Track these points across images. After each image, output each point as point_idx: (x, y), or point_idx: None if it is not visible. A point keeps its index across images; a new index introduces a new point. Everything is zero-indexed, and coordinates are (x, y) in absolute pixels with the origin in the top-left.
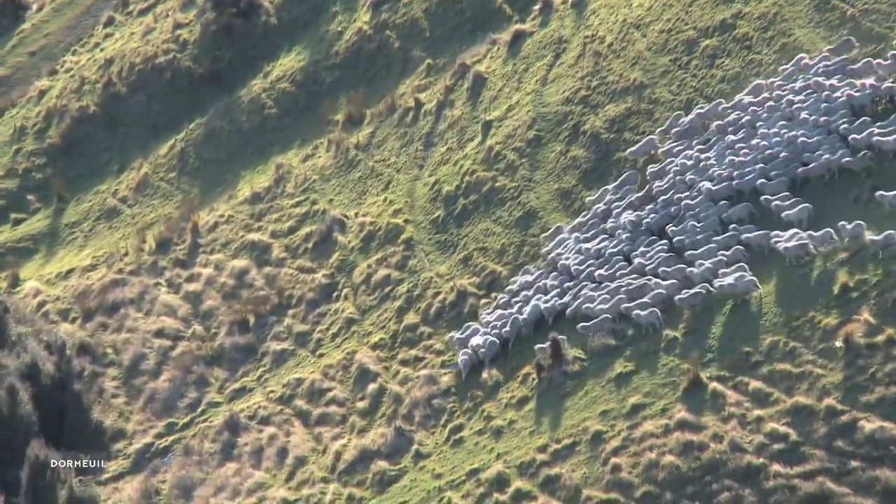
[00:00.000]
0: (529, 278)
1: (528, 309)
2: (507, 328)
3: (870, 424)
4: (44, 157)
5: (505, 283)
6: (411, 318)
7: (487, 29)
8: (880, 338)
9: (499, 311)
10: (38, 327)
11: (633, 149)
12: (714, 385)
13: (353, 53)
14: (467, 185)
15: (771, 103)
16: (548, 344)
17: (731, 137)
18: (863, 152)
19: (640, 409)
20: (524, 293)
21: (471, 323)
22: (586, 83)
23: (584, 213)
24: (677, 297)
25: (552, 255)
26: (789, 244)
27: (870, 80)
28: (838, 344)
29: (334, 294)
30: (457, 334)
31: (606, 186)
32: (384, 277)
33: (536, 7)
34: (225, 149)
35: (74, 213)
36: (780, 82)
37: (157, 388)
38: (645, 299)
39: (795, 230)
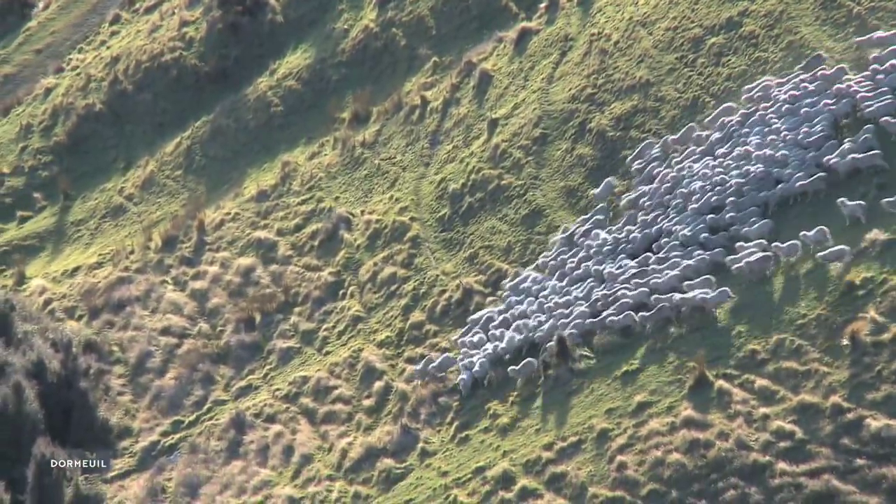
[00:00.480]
0: (496, 309)
1: (505, 338)
2: (490, 352)
3: (876, 422)
4: (50, 154)
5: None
6: (417, 315)
7: (493, 27)
8: (886, 336)
9: (479, 336)
10: (44, 325)
11: (595, 192)
12: (720, 383)
13: (360, 51)
14: (473, 182)
15: (754, 118)
16: (554, 342)
17: (718, 151)
18: (816, 174)
19: (646, 406)
20: (502, 318)
21: (432, 355)
22: (592, 81)
23: (544, 254)
24: (639, 315)
25: (522, 286)
26: (750, 260)
27: (851, 87)
28: (844, 342)
29: (340, 292)
30: (419, 366)
31: (567, 225)
32: (390, 275)
33: (543, 5)
34: (231, 147)
35: (80, 211)
36: (759, 94)
37: (163, 385)
38: (611, 310)
39: (754, 247)
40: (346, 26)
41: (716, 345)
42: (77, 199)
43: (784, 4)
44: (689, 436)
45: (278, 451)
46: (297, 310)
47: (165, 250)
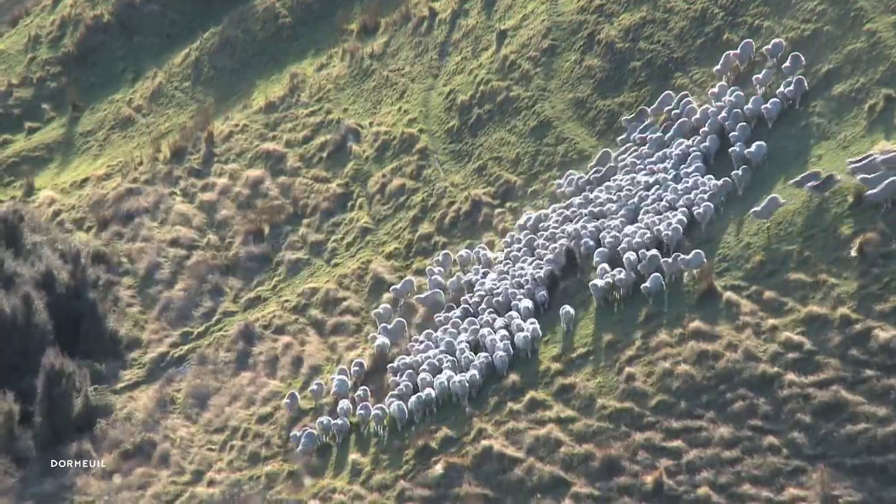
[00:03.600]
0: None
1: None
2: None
3: (884, 333)
4: (58, 65)
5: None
6: (426, 227)
7: None
8: (895, 247)
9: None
10: (52, 236)
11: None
12: (728, 294)
13: None
14: (482, 94)
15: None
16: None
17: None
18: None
19: (655, 318)
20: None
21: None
22: None
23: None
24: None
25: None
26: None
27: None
28: (853, 253)
29: (349, 203)
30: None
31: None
32: (399, 187)
33: None
34: (239, 58)
35: (89, 122)
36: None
37: (172, 297)
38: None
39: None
40: None
41: (724, 256)
42: (85, 110)
43: None
44: (697, 347)
45: (287, 362)
46: (305, 221)
47: (174, 162)
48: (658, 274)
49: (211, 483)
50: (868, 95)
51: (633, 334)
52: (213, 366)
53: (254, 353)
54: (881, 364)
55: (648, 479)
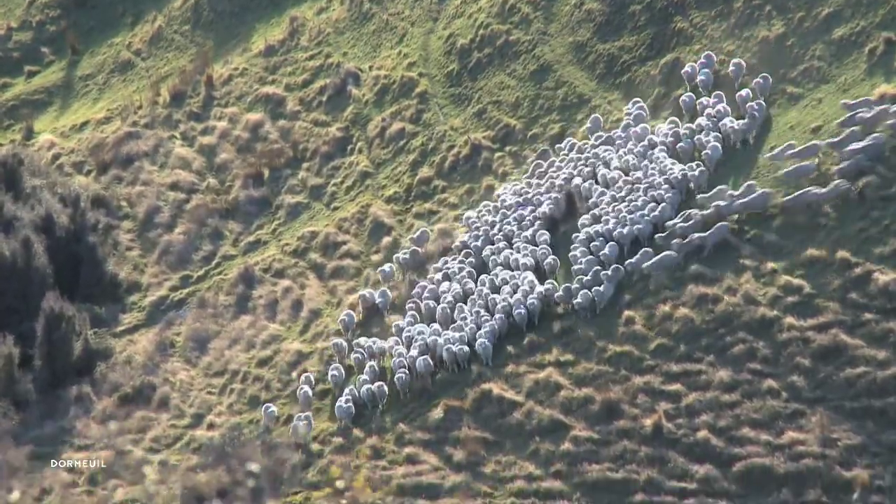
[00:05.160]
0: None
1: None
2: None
3: (883, 276)
4: (58, 9)
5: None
6: (425, 171)
7: None
8: (894, 190)
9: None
10: (52, 180)
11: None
12: (728, 237)
13: None
14: (482, 38)
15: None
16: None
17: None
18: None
19: None
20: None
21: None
22: None
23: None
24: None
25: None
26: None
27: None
28: (852, 196)
29: (349, 147)
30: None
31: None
32: (398, 131)
33: None
34: (239, 1)
35: (88, 66)
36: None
37: (171, 240)
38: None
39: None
40: None
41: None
42: (85, 53)
43: None
44: (696, 291)
45: (287, 305)
46: (305, 165)
47: (173, 105)
48: (587, 291)
49: (211, 426)
50: (868, 39)
51: (632, 276)
52: (213, 309)
53: (253, 296)
54: (880, 307)
55: (648, 422)
